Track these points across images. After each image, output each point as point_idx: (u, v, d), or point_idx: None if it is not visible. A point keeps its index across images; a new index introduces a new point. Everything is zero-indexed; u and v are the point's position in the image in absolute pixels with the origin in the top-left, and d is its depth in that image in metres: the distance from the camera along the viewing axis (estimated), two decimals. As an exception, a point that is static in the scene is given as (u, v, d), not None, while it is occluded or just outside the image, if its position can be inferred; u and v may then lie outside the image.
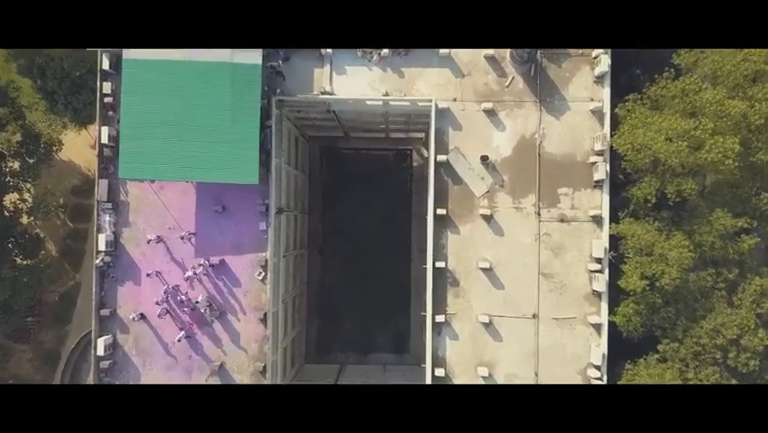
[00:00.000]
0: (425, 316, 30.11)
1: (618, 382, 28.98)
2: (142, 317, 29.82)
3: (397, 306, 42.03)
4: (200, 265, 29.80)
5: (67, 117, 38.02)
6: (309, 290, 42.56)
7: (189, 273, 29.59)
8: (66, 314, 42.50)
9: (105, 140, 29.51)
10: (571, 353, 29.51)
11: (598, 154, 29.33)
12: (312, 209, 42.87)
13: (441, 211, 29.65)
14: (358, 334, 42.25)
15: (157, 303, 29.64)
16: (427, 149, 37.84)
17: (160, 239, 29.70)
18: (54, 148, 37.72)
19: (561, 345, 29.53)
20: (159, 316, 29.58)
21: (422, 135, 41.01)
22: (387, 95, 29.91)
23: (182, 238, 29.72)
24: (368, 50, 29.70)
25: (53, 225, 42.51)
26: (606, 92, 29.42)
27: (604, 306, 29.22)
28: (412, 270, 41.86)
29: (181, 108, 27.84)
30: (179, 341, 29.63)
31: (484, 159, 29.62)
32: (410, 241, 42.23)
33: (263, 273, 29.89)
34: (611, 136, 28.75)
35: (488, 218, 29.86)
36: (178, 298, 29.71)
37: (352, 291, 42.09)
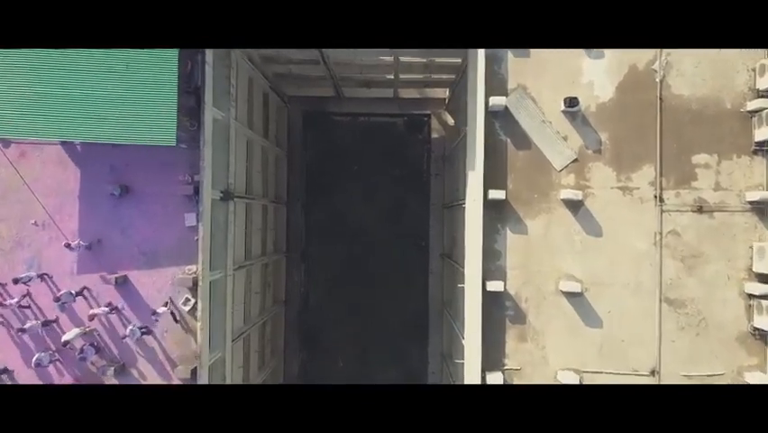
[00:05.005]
0: (463, 365, 18.19)
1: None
2: (-18, 374, 17.71)
3: (409, 334, 30.56)
4: (68, 292, 17.62)
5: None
6: (288, 312, 30.98)
7: (65, 300, 17.36)
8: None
9: None
10: None
11: (764, 96, 17.30)
12: (292, 198, 31.07)
13: (496, 194, 17.44)
14: (355, 371, 30.79)
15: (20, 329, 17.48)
16: (453, 112, 25.85)
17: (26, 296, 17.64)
18: None
19: (695, 420, 17.54)
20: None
21: (446, 94, 29.10)
22: None
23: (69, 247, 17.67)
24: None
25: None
26: (776, -9, 17.40)
27: (773, 356, 17.30)
28: (430, 284, 30.33)
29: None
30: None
31: (570, 104, 17.43)
32: (428, 243, 30.67)
33: (192, 301, 17.68)
34: (793, 63, 16.79)
35: (575, 206, 17.73)
36: (43, 336, 17.59)
37: (346, 313, 30.64)
